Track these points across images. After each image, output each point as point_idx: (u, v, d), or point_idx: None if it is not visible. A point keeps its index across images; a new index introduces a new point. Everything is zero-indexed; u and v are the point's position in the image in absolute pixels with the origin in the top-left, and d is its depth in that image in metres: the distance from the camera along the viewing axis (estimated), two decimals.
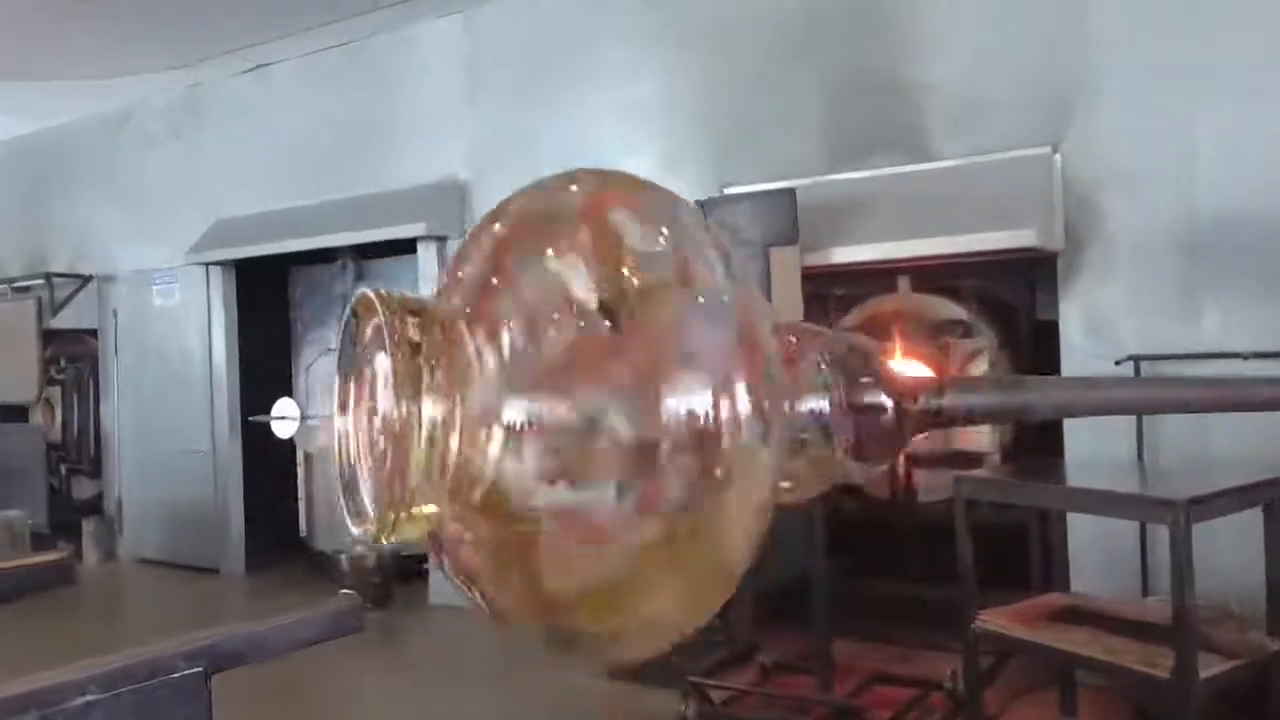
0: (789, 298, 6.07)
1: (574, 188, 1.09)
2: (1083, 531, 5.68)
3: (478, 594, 0.99)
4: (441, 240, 8.41)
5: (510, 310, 0.86)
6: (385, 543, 0.91)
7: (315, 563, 9.46)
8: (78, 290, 11.03)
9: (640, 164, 7.41)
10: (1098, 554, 5.69)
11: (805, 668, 5.77)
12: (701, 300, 0.90)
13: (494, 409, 0.83)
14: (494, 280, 0.92)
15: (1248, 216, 5.38)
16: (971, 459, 6.22)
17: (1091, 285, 5.80)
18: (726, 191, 6.82)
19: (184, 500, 10.06)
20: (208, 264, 9.87)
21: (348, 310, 0.98)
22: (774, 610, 6.31)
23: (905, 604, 6.45)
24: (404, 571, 8.58)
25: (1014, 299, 6.62)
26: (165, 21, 9.44)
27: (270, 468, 9.93)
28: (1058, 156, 5.90)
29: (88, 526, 10.70)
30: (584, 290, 0.87)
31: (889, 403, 1.01)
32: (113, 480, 10.93)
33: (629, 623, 0.90)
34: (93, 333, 11.12)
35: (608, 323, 0.85)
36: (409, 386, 0.84)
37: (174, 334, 10.25)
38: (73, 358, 11.30)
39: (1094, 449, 5.61)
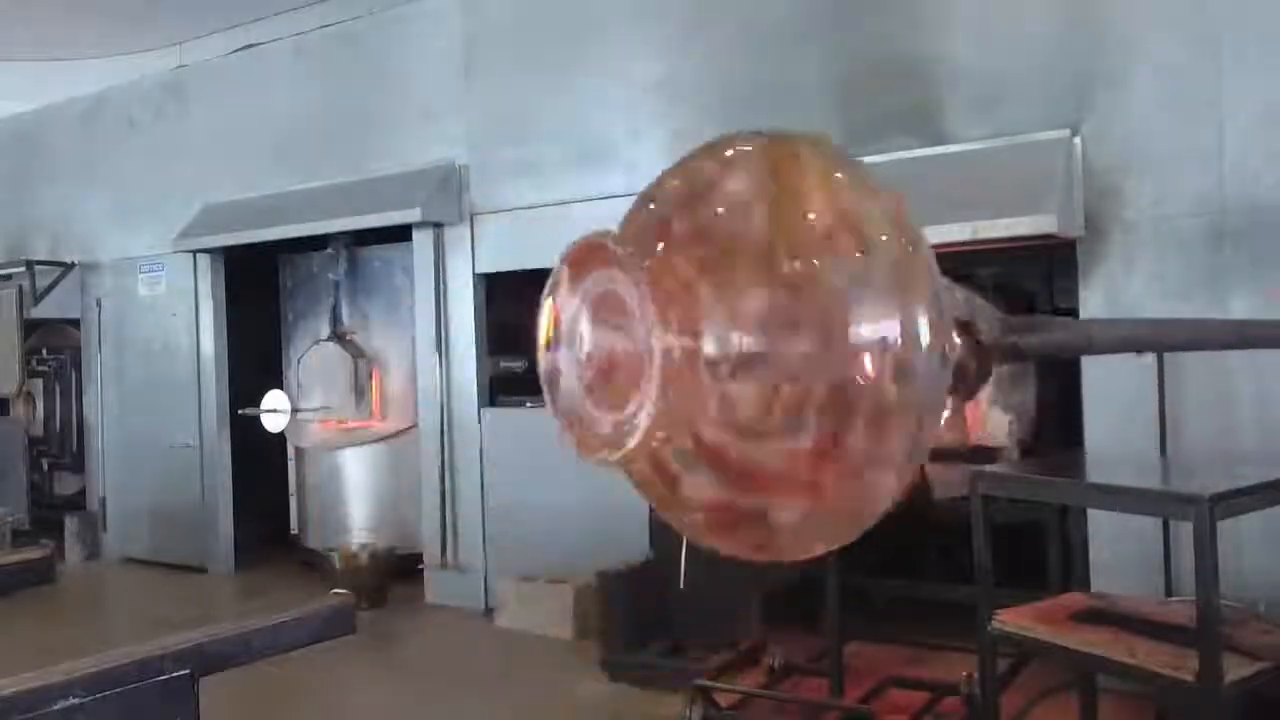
0: None
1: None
2: (1104, 529, 5.69)
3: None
4: (438, 226, 8.40)
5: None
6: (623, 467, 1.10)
7: (307, 561, 9.47)
8: (60, 278, 11.01)
9: (644, 146, 7.41)
10: (1119, 552, 5.68)
11: (815, 670, 5.78)
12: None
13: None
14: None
15: (1279, 201, 5.37)
16: (988, 453, 6.21)
17: (1113, 273, 5.79)
18: None
19: (170, 496, 10.07)
20: (195, 251, 9.86)
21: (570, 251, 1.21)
22: (783, 610, 6.31)
23: (919, 604, 6.45)
24: (399, 570, 8.59)
25: (1033, 287, 6.62)
26: (149, 1, 9.44)
27: (260, 463, 9.93)
28: (1077, 140, 5.89)
29: (70, 523, 10.70)
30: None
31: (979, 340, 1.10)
32: (96, 475, 10.93)
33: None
34: (75, 323, 11.12)
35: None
36: (661, 323, 0.97)
37: (160, 324, 10.26)
38: (55, 349, 11.31)
39: (1116, 443, 5.61)
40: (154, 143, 10.51)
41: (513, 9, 8.24)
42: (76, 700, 2.02)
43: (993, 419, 6.05)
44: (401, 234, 8.67)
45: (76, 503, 11.11)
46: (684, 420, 0.98)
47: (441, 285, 8.43)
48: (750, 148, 1.15)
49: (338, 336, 9.29)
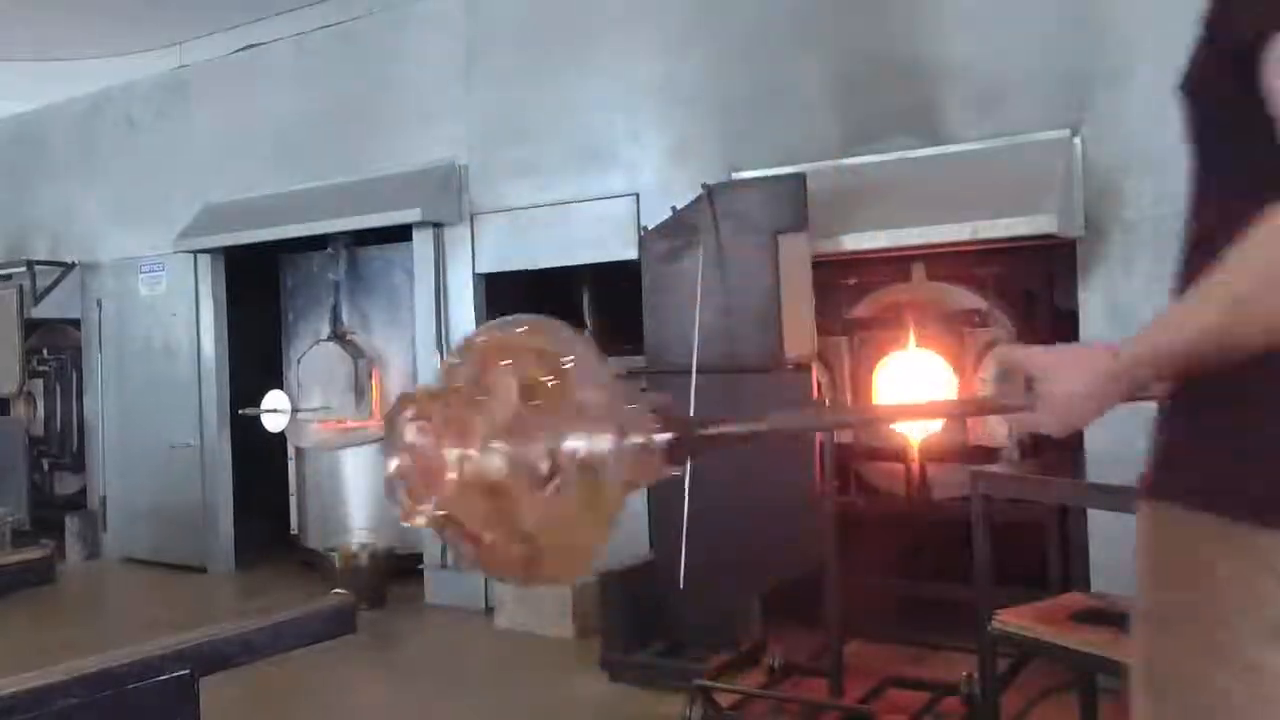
0: (798, 286, 6.06)
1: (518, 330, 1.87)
2: (1104, 528, 5.68)
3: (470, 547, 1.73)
4: (438, 226, 8.40)
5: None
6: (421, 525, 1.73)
7: (307, 561, 9.47)
8: (60, 278, 11.00)
9: (645, 148, 7.41)
10: (1119, 552, 5.65)
11: (815, 670, 5.78)
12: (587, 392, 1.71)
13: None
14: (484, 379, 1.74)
15: None
16: (988, 454, 6.22)
17: (1113, 273, 5.79)
18: (734, 176, 6.80)
19: (171, 496, 10.07)
20: (196, 251, 9.86)
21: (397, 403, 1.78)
22: (784, 610, 6.31)
23: (919, 604, 6.45)
24: (399, 570, 8.58)
25: (1032, 287, 6.61)
26: (150, 1, 9.45)
27: (260, 463, 9.94)
28: (1077, 140, 5.89)
29: (71, 523, 10.70)
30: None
31: (672, 434, 1.73)
32: (97, 476, 10.93)
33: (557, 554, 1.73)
34: (76, 323, 11.11)
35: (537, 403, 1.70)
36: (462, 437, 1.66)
37: (161, 324, 10.26)
38: (56, 349, 11.31)
39: (1115, 444, 5.59)
40: (155, 143, 10.51)
41: (514, 10, 8.24)
42: (77, 700, 2.02)
43: (992, 420, 6.05)
44: (402, 234, 8.67)
45: (77, 502, 11.10)
46: (460, 499, 1.66)
47: (441, 285, 8.43)
48: (492, 336, 1.93)
49: (338, 336, 9.28)
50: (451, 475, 1.63)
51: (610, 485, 1.62)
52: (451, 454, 1.63)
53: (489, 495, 1.62)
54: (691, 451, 1.74)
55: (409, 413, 1.71)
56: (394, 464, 1.72)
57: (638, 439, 1.66)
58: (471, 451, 1.62)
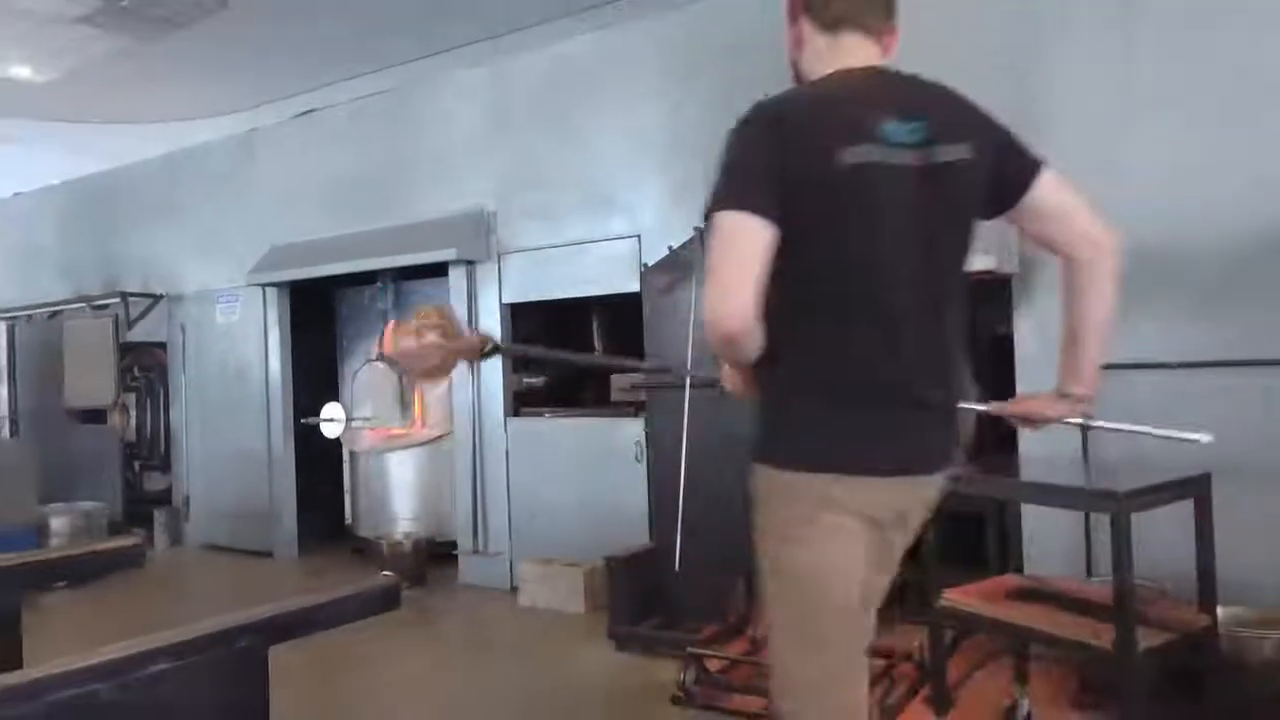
0: None
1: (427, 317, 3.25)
2: (1035, 520, 5.68)
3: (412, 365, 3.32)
4: (470, 263, 8.42)
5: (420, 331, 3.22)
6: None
7: (358, 548, 9.46)
8: (150, 308, 11.04)
9: (648, 193, 7.43)
10: (1048, 540, 5.68)
11: None
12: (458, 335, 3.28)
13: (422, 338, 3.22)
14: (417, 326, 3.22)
15: (1181, 241, 5.38)
16: None
17: (1043, 303, 5.79)
18: None
19: (243, 492, 10.08)
20: (265, 285, 9.89)
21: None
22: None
23: None
24: (437, 555, 8.59)
25: (972, 315, 6.59)
26: (225, 72, 9.51)
27: (319, 463, 9.94)
28: None
29: (159, 516, 10.71)
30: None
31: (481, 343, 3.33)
32: (181, 475, 10.93)
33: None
34: (163, 345, 11.13)
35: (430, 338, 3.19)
36: (416, 334, 3.20)
37: (235, 346, 10.28)
38: (146, 367, 11.32)
39: (1045, 448, 5.60)
40: (230, 193, 10.54)
41: (532, 79, 8.27)
42: (162, 666, 2.03)
43: None
44: (439, 270, 8.69)
45: (164, 498, 11.10)
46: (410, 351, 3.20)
47: (473, 313, 8.45)
48: (421, 313, 3.26)
49: (385, 357, 9.29)
50: (410, 344, 3.14)
51: (450, 350, 3.14)
52: (410, 338, 3.15)
53: (421, 350, 3.13)
54: (492, 352, 3.27)
55: (399, 328, 3.41)
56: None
57: (467, 339, 3.28)
58: (414, 338, 3.13)
